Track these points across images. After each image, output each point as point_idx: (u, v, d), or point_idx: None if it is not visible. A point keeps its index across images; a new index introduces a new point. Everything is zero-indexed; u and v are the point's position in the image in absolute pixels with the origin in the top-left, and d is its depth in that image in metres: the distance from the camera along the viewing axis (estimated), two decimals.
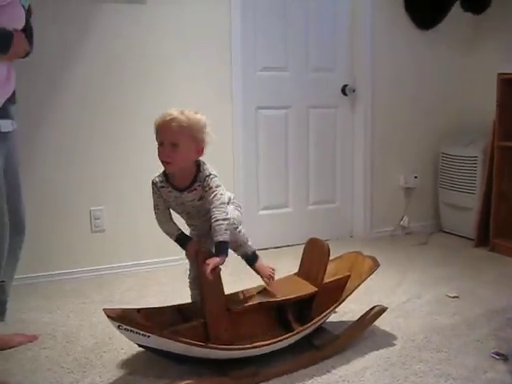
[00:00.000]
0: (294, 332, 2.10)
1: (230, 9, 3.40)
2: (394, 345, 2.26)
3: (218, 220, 1.99)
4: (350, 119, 3.95)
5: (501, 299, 2.74)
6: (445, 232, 4.10)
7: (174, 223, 2.20)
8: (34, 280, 2.96)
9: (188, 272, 2.34)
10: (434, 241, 3.91)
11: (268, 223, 3.76)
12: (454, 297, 2.80)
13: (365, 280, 2.34)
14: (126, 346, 2.27)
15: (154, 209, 2.19)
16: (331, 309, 2.21)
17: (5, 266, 2.13)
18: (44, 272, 3.06)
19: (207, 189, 2.07)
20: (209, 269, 1.90)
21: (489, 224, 3.62)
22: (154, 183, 2.17)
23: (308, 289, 2.23)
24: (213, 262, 1.92)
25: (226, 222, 2.00)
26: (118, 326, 1.86)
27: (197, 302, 2.20)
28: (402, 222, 4.06)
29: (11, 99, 2.14)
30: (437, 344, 2.27)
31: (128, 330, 1.86)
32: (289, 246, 3.70)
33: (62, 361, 2.15)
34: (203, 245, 2.13)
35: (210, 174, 2.10)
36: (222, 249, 1.97)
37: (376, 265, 2.42)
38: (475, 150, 3.78)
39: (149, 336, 1.86)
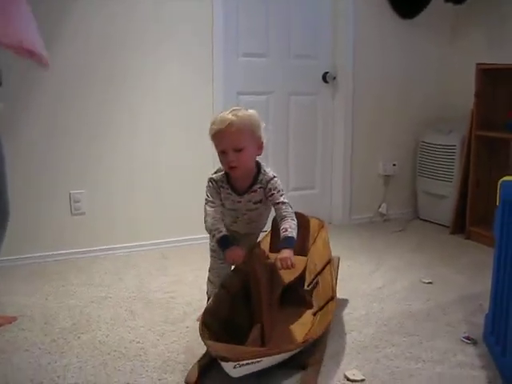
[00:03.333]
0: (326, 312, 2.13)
1: None
2: (367, 329, 2.30)
3: (293, 220, 2.06)
4: (330, 106, 3.98)
5: (474, 285, 2.80)
6: (422, 219, 4.16)
7: (222, 223, 2.13)
8: (13, 262, 2.96)
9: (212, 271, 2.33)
10: (411, 228, 3.96)
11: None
12: (428, 282, 2.85)
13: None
14: (103, 327, 2.30)
15: (208, 204, 2.12)
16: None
17: None
18: (23, 254, 3.06)
19: (274, 191, 2.08)
20: (288, 262, 1.93)
21: (465, 212, 3.68)
22: (214, 180, 2.14)
23: (303, 261, 2.26)
24: (288, 256, 1.94)
25: (295, 223, 2.05)
26: (234, 367, 1.65)
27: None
28: (380, 209, 4.11)
29: None
30: (409, 328, 2.31)
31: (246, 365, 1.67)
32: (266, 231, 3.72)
33: (40, 342, 2.17)
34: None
35: (274, 177, 2.11)
36: (291, 243, 1.99)
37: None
38: (454, 139, 3.82)
39: (259, 361, 1.71)
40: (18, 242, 2.90)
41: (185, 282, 2.85)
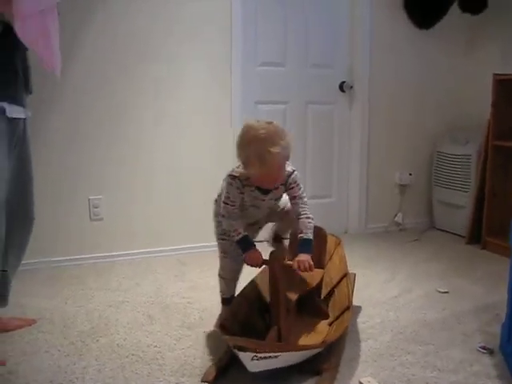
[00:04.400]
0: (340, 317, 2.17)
1: (230, 3, 3.44)
2: (383, 337, 2.30)
3: (308, 217, 2.08)
4: (347, 115, 4.00)
5: (490, 296, 2.79)
6: (438, 229, 4.15)
7: (241, 223, 2.12)
8: (34, 266, 3.00)
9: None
10: (427, 237, 3.96)
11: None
12: (444, 292, 2.85)
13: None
14: (121, 331, 2.33)
15: (228, 203, 2.09)
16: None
17: (10, 255, 2.17)
18: (43, 258, 3.11)
19: (294, 185, 2.08)
20: (306, 264, 1.97)
21: (481, 222, 3.67)
22: (237, 178, 2.06)
23: (319, 273, 2.30)
24: (306, 259, 1.98)
25: (313, 221, 2.07)
26: (252, 358, 1.67)
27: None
28: (396, 219, 4.11)
29: (28, 88, 2.17)
30: (425, 337, 2.31)
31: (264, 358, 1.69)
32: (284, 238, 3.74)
33: (59, 344, 2.20)
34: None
35: (294, 171, 2.09)
36: (309, 246, 2.03)
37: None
38: (470, 149, 3.82)
39: (277, 356, 1.72)
40: (38, 246, 2.93)
41: (202, 288, 2.88)
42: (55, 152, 3.16)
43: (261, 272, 2.31)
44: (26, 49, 2.09)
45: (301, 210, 2.10)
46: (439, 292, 2.85)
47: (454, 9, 3.92)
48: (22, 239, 2.26)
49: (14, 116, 2.08)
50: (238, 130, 3.46)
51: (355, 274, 2.66)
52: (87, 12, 3.13)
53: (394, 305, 2.68)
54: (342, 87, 3.92)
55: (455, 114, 4.18)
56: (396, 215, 4.12)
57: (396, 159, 4.10)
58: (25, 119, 2.19)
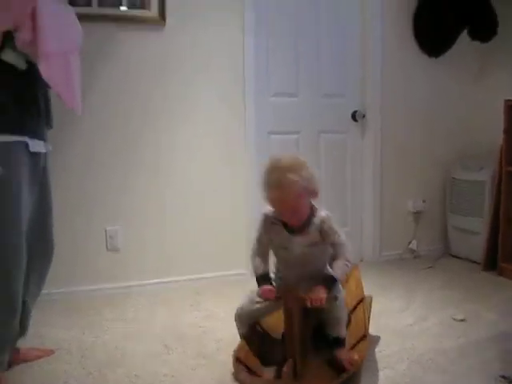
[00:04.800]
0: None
1: (243, 35, 3.52)
2: (399, 366, 2.29)
3: (343, 260, 2.01)
4: (359, 144, 4.03)
5: (507, 323, 2.77)
6: (453, 256, 4.13)
7: (268, 261, 2.14)
8: (51, 296, 3.00)
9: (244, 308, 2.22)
10: (442, 264, 3.95)
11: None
12: (460, 320, 2.83)
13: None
14: (138, 361, 2.35)
15: (256, 241, 2.14)
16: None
17: (30, 284, 2.20)
18: (60, 288, 3.14)
19: (330, 232, 2.03)
20: (317, 302, 1.92)
21: (497, 248, 3.66)
22: (266, 216, 2.10)
23: None
24: (319, 294, 1.93)
25: (349, 267, 2.02)
26: None
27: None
28: (410, 246, 4.11)
29: (49, 122, 2.24)
30: (442, 366, 2.30)
31: None
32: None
33: (78, 374, 2.22)
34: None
35: (328, 216, 2.05)
36: (333, 284, 1.98)
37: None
38: (483, 175, 3.83)
39: None
40: (55, 276, 2.97)
41: (217, 317, 2.89)
42: (72, 181, 3.21)
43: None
44: (48, 85, 2.15)
45: (337, 253, 2.05)
46: (455, 320, 2.83)
47: (464, 37, 3.97)
48: (42, 269, 2.30)
49: (36, 150, 2.14)
50: (251, 160, 3.57)
51: (371, 298, 2.66)
52: (103, 44, 3.21)
53: (410, 333, 2.67)
54: (354, 116, 3.96)
55: (467, 141, 4.20)
56: (410, 242, 4.12)
57: (409, 186, 4.11)
58: (46, 153, 2.24)
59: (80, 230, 3.25)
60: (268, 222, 2.10)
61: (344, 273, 2.04)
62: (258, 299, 2.11)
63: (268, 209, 2.09)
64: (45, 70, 1.96)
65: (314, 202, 2.09)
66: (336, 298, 2.06)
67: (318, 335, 2.18)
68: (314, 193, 2.03)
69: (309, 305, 1.94)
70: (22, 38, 1.93)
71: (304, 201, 2.01)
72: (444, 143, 4.17)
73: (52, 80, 2.01)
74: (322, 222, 2.04)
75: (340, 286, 2.10)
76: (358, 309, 2.42)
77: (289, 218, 2.04)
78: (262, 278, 2.09)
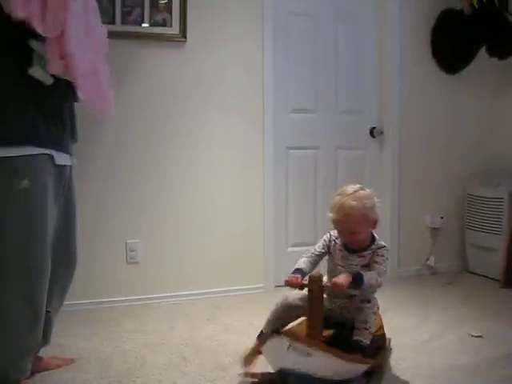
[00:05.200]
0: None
1: (262, 52, 3.58)
2: (416, 381, 2.30)
3: (375, 273, 2.14)
4: (377, 160, 4.06)
5: None
6: (471, 272, 4.12)
7: (312, 266, 2.27)
8: (72, 308, 3.05)
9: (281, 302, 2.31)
10: (459, 281, 3.94)
11: (296, 260, 3.84)
12: (477, 336, 2.82)
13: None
14: (156, 372, 2.38)
15: (313, 250, 2.33)
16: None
17: (53, 296, 2.26)
18: (81, 300, 3.19)
19: (380, 255, 2.21)
20: (338, 285, 2.03)
21: None
22: (330, 234, 2.33)
23: None
24: (342, 279, 2.04)
25: (381, 278, 2.16)
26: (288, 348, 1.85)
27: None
28: (428, 262, 4.11)
29: (74, 136, 2.30)
30: (458, 382, 2.30)
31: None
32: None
33: None
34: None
35: (385, 246, 2.25)
36: (357, 277, 2.08)
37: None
38: (502, 192, 3.83)
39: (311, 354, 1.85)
40: (77, 288, 3.04)
41: (234, 331, 2.92)
42: (93, 195, 3.27)
43: None
44: (73, 100, 2.22)
45: (376, 265, 2.19)
46: (472, 336, 2.83)
47: (482, 53, 3.99)
48: (65, 281, 2.35)
49: (61, 163, 2.19)
50: (269, 175, 3.61)
51: (390, 340, 2.59)
52: (125, 61, 3.29)
53: (426, 349, 2.67)
54: (372, 133, 3.99)
55: (484, 157, 4.21)
56: (428, 259, 4.12)
57: (427, 203, 4.12)
58: (71, 166, 2.30)
59: (101, 243, 3.31)
60: (329, 239, 2.32)
61: (373, 281, 2.13)
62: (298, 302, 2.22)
63: (334, 230, 2.30)
64: (82, 92, 2.05)
65: (375, 232, 2.28)
66: (368, 301, 2.20)
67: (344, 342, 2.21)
68: (373, 222, 2.22)
69: (331, 288, 2.08)
70: (54, 69, 2.01)
71: (362, 227, 2.19)
72: (462, 159, 4.18)
73: (88, 97, 2.09)
74: (378, 248, 2.23)
75: (374, 296, 2.24)
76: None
77: (347, 240, 2.23)
78: (296, 270, 2.21)
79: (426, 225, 4.13)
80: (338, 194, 2.22)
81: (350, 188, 2.22)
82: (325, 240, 2.33)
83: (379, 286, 2.20)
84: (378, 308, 2.26)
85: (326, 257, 2.33)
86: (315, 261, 2.30)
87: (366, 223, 2.20)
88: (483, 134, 4.21)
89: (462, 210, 4.18)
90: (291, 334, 1.82)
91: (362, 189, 2.23)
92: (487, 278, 3.96)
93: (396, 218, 4.05)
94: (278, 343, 1.74)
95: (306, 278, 2.13)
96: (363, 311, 2.18)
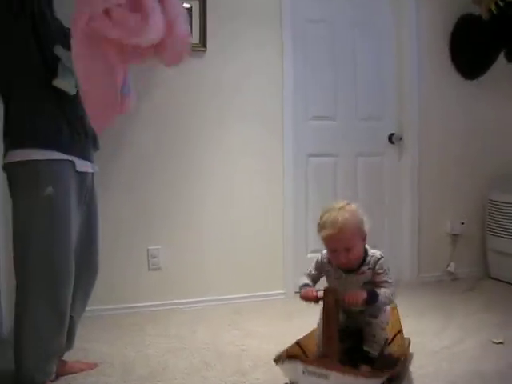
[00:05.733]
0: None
1: (282, 60, 3.63)
2: None
3: (386, 292, 2.14)
4: (397, 166, 4.07)
5: None
6: (493, 278, 4.10)
7: (314, 283, 2.30)
8: (96, 313, 3.10)
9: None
10: (481, 287, 3.91)
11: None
12: (498, 342, 2.80)
13: None
14: (179, 376, 2.42)
15: (312, 269, 2.33)
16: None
17: (76, 301, 2.30)
18: (104, 305, 3.24)
19: (381, 271, 2.18)
20: (352, 299, 2.06)
21: None
22: (322, 256, 2.31)
23: None
24: (357, 294, 2.08)
25: (392, 296, 2.16)
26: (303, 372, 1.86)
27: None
28: (448, 268, 4.09)
29: (96, 144, 2.36)
30: None
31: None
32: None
33: None
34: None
35: (382, 257, 2.21)
36: (372, 294, 2.09)
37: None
38: None
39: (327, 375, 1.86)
40: (99, 294, 3.09)
41: (255, 336, 2.94)
42: (115, 203, 3.32)
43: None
44: None
45: (386, 287, 2.17)
46: (494, 342, 2.81)
47: (501, 59, 3.97)
48: (88, 287, 2.40)
49: (83, 170, 2.25)
50: (289, 182, 3.64)
51: (410, 341, 2.65)
52: (146, 72, 3.35)
53: (447, 355, 2.66)
54: (391, 139, 4.00)
55: (504, 162, 4.18)
56: (448, 265, 4.10)
57: (447, 208, 4.11)
58: (92, 174, 2.36)
59: (123, 250, 3.36)
60: (322, 262, 2.30)
61: (386, 299, 2.14)
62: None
63: (325, 251, 2.28)
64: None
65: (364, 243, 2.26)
66: (375, 317, 2.19)
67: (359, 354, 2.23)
68: (364, 236, 2.21)
69: (346, 302, 2.09)
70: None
71: (357, 241, 2.17)
72: (482, 165, 4.16)
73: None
74: (375, 261, 2.19)
75: (385, 312, 2.25)
76: (396, 337, 2.46)
77: (341, 261, 2.17)
78: (306, 285, 2.23)
79: (446, 231, 4.12)
80: (326, 212, 2.19)
81: (338, 203, 2.22)
82: (317, 261, 2.31)
83: (390, 303, 2.23)
84: (388, 323, 2.28)
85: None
86: (314, 280, 2.30)
87: (359, 237, 2.18)
88: (503, 139, 4.19)
89: (482, 215, 4.17)
90: (305, 359, 1.82)
91: (348, 204, 2.22)
92: (509, 283, 3.92)
93: (416, 224, 4.05)
94: (293, 368, 1.75)
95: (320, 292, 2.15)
96: (371, 325, 2.20)
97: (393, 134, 3.99)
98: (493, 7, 3.71)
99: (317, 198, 3.84)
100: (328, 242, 2.17)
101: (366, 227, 2.22)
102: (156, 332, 3.02)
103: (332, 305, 2.08)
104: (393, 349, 2.35)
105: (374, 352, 2.17)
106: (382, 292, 2.13)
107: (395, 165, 4.07)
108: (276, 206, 3.66)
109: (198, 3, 3.42)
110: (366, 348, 2.17)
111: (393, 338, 2.45)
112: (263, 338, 2.88)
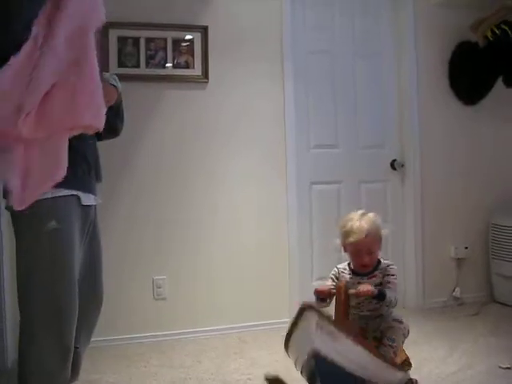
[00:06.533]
0: None
1: (283, 90, 3.68)
2: None
3: (392, 293, 2.28)
4: (399, 192, 4.09)
5: None
6: (498, 303, 4.08)
7: None
8: (100, 344, 3.09)
9: None
10: (486, 311, 3.89)
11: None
12: (506, 368, 2.79)
13: None
14: None
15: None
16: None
17: (81, 332, 2.31)
18: (109, 336, 3.24)
19: (390, 274, 2.37)
20: (361, 291, 2.19)
21: None
22: (337, 268, 2.48)
23: None
24: (367, 287, 2.21)
25: (396, 297, 2.31)
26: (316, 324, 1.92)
27: None
28: (454, 293, 4.08)
29: (98, 177, 2.38)
30: None
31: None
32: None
33: None
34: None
35: (392, 264, 2.42)
36: (381, 291, 2.24)
37: None
38: None
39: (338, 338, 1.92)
40: (105, 324, 3.09)
41: (261, 365, 2.94)
42: (119, 234, 3.35)
43: None
44: (95, 141, 2.30)
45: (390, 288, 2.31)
46: (501, 368, 2.80)
47: (501, 84, 4.01)
48: (93, 318, 2.39)
49: (87, 203, 2.27)
50: (293, 209, 3.65)
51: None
52: (149, 102, 3.42)
53: (454, 381, 2.66)
54: (393, 165, 4.03)
55: (507, 186, 4.20)
56: (454, 289, 4.09)
57: (451, 233, 4.12)
58: (95, 206, 2.38)
59: (128, 280, 3.38)
60: (337, 272, 2.45)
61: (392, 298, 2.28)
62: None
63: (341, 264, 2.48)
64: None
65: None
66: (400, 322, 2.34)
67: None
68: (381, 239, 2.40)
69: (357, 294, 2.23)
70: None
71: (378, 246, 2.39)
72: (484, 189, 4.17)
73: None
74: (387, 266, 2.39)
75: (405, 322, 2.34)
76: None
77: (363, 262, 2.35)
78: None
79: (450, 256, 4.11)
80: (348, 220, 2.37)
81: (358, 212, 2.40)
82: (333, 274, 2.44)
83: (395, 303, 2.32)
84: (408, 333, 2.35)
85: None
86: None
87: (380, 242, 2.39)
88: (505, 163, 4.21)
89: (486, 239, 4.17)
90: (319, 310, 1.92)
91: (366, 213, 2.41)
92: None
93: (420, 249, 4.05)
94: (308, 318, 1.85)
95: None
96: (394, 330, 2.29)
97: (395, 161, 4.03)
98: (489, 34, 3.78)
99: (321, 226, 3.86)
100: (355, 246, 2.33)
101: (382, 232, 2.41)
102: (161, 362, 3.02)
103: (343, 298, 2.19)
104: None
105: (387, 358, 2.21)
106: (389, 291, 2.28)
107: (398, 191, 4.09)
108: (281, 234, 3.67)
109: (199, 35, 3.49)
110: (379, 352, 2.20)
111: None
112: (269, 366, 2.87)
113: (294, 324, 1.98)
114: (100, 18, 1.93)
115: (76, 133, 2.02)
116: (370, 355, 1.98)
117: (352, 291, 2.24)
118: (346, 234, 2.35)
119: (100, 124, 2.04)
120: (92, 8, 1.94)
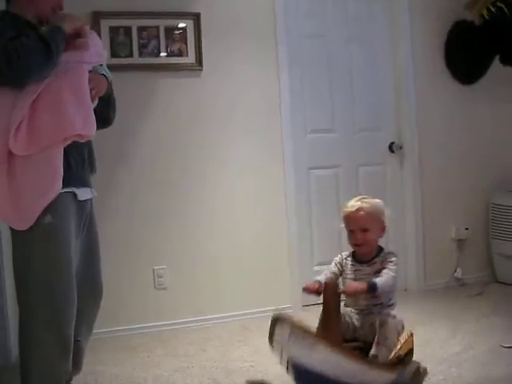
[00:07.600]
0: None
1: (278, 75, 3.65)
2: None
3: (389, 276, 2.22)
4: (398, 175, 4.08)
5: None
6: (500, 282, 4.08)
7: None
8: (102, 335, 3.07)
9: None
10: (488, 291, 3.89)
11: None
12: (508, 347, 2.79)
13: None
14: None
15: (326, 269, 2.42)
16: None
17: (82, 325, 2.31)
18: (111, 327, 3.23)
19: (389, 260, 2.30)
20: (350, 289, 2.18)
21: None
22: (341, 254, 2.44)
23: None
24: (355, 285, 2.19)
25: (393, 282, 2.24)
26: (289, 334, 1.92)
27: None
28: (455, 274, 4.08)
29: (93, 168, 2.37)
30: None
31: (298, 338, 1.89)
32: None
33: None
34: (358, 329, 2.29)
35: (394, 252, 2.37)
36: (371, 284, 2.15)
37: None
38: None
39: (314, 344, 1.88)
40: (106, 315, 3.09)
41: (265, 352, 2.88)
42: (119, 225, 3.34)
43: None
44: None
45: (386, 270, 2.25)
46: (503, 347, 2.80)
47: (498, 63, 3.99)
48: (93, 310, 2.39)
49: (84, 198, 2.26)
50: (292, 195, 3.64)
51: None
52: (143, 91, 3.40)
53: (457, 361, 2.66)
54: (391, 148, 4.01)
55: (506, 165, 4.19)
56: (455, 270, 4.09)
57: (451, 214, 4.10)
58: (91, 198, 2.37)
59: (128, 270, 3.37)
60: (342, 258, 2.41)
61: (386, 283, 2.20)
62: None
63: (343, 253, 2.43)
64: None
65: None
66: (394, 316, 2.23)
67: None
68: (382, 227, 2.33)
69: (345, 293, 2.23)
70: None
71: (373, 225, 2.30)
72: (483, 169, 4.16)
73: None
74: (388, 254, 2.34)
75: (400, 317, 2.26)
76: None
77: (358, 241, 2.30)
78: (315, 281, 2.30)
79: (451, 237, 4.11)
80: (351, 200, 2.38)
81: (361, 195, 2.43)
82: (336, 260, 2.41)
83: (394, 288, 2.29)
84: (403, 328, 2.26)
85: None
86: (336, 275, 2.38)
87: (376, 223, 2.31)
88: (503, 142, 4.19)
89: (486, 219, 4.16)
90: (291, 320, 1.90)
91: (369, 196, 2.41)
92: None
93: (421, 231, 4.04)
94: (280, 330, 1.82)
95: None
96: (387, 326, 2.17)
97: (393, 143, 4.01)
98: (484, 12, 3.75)
99: (320, 210, 3.85)
100: (347, 221, 2.33)
101: (386, 221, 2.34)
102: (164, 352, 3.02)
103: (331, 298, 2.15)
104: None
105: (382, 358, 2.15)
106: (379, 277, 2.19)
107: (397, 173, 4.08)
108: (280, 220, 3.66)
109: (192, 22, 3.46)
110: (373, 353, 2.14)
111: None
112: (272, 353, 2.87)
113: (270, 335, 2.02)
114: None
115: (70, 141, 2.06)
116: (353, 360, 1.93)
117: (340, 290, 2.23)
118: (342, 212, 2.37)
119: (91, 132, 2.12)
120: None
